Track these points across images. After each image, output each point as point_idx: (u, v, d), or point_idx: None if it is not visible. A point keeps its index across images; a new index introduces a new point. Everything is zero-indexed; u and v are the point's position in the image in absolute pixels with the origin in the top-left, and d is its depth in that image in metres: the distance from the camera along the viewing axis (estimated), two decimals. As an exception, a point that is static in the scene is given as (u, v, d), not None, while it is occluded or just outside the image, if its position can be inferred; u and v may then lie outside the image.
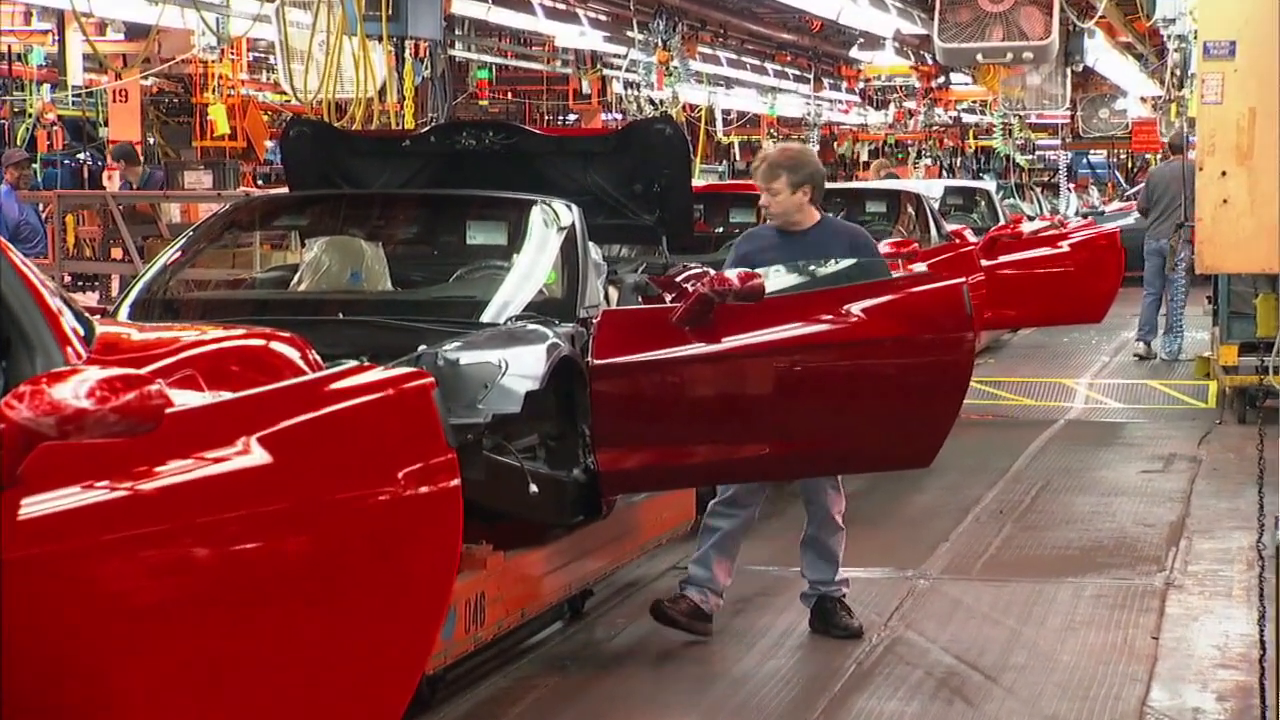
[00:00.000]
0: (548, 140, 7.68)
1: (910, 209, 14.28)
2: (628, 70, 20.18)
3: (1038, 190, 28.48)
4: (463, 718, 5.80)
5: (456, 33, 18.13)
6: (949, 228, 14.51)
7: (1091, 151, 39.92)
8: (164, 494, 3.02)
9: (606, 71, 21.81)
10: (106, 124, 16.11)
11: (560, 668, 6.33)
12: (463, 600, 5.58)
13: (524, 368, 5.59)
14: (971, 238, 14.53)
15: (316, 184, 7.52)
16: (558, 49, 20.90)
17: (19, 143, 16.24)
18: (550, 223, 6.67)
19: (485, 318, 6.18)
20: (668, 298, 6.44)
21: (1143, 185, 17.05)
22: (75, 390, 2.86)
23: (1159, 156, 27.16)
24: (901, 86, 28.15)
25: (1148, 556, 8.00)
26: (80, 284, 13.37)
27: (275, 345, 4.22)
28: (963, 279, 6.37)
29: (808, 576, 6.67)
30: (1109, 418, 12.54)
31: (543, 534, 6.28)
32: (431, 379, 3.73)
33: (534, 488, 5.70)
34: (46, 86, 16.56)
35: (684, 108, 21.86)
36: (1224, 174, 11.74)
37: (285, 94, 15.00)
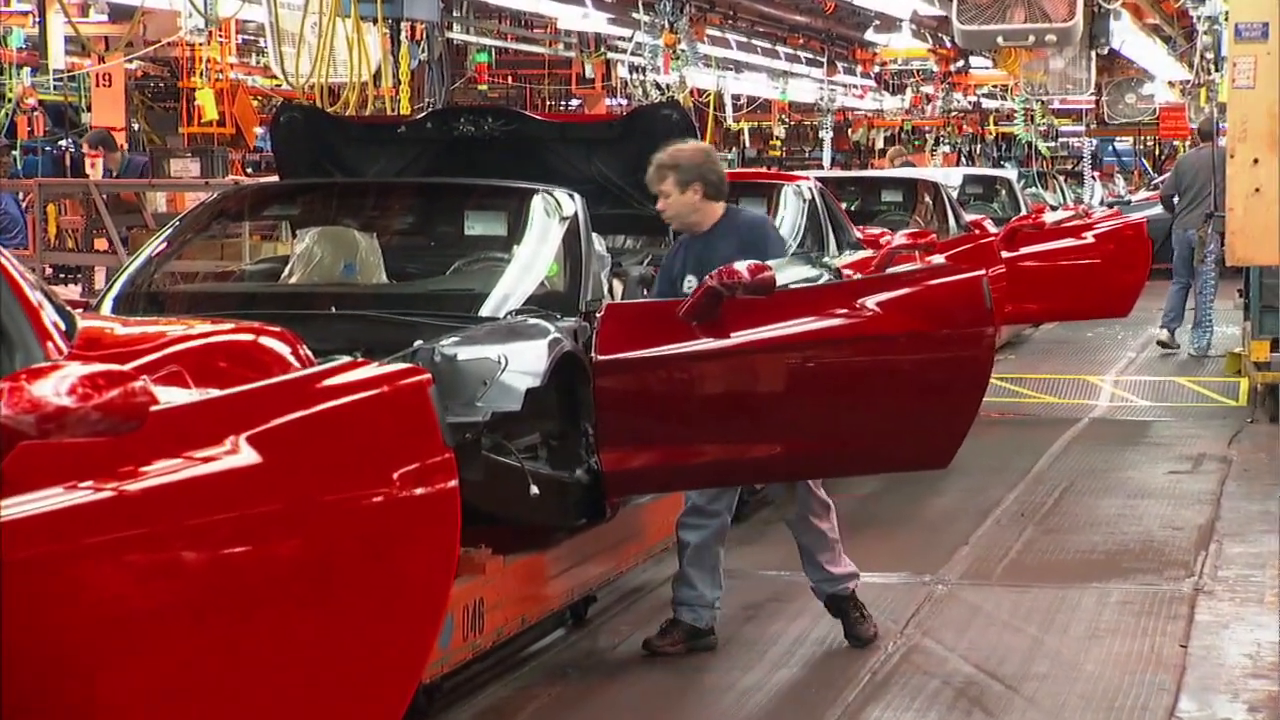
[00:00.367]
0: (549, 126, 7.67)
1: (928, 198, 14.28)
2: (633, 54, 20.18)
3: (1061, 179, 28.43)
4: (461, 729, 5.80)
5: (454, 14, 18.15)
6: (968, 218, 14.52)
7: (1117, 138, 39.90)
8: (149, 495, 3.02)
9: (611, 55, 21.82)
10: (89, 109, 16.12)
11: (562, 676, 6.33)
12: (460, 606, 5.58)
13: (524, 364, 5.59)
14: (992, 228, 14.54)
15: (308, 172, 7.52)
16: (560, 31, 20.91)
17: (-2, 129, 16.25)
18: (552, 213, 6.67)
19: (484, 311, 6.18)
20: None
21: (1169, 173, 17.05)
22: (56, 387, 2.86)
23: (1187, 143, 27.16)
24: (919, 70, 28.14)
25: (1176, 561, 7.99)
26: (62, 276, 13.37)
27: (265, 340, 4.22)
28: (982, 271, 6.35)
29: (808, 577, 6.69)
30: (1135, 416, 12.53)
31: (544, 537, 6.27)
32: (428, 375, 3.74)
33: (535, 489, 5.70)
34: (27, 70, 16.55)
35: (692, 93, 21.86)
36: (1256, 161, 11.79)
37: (276, 78, 15.00)
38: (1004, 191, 18.53)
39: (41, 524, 2.87)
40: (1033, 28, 14.07)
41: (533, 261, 6.58)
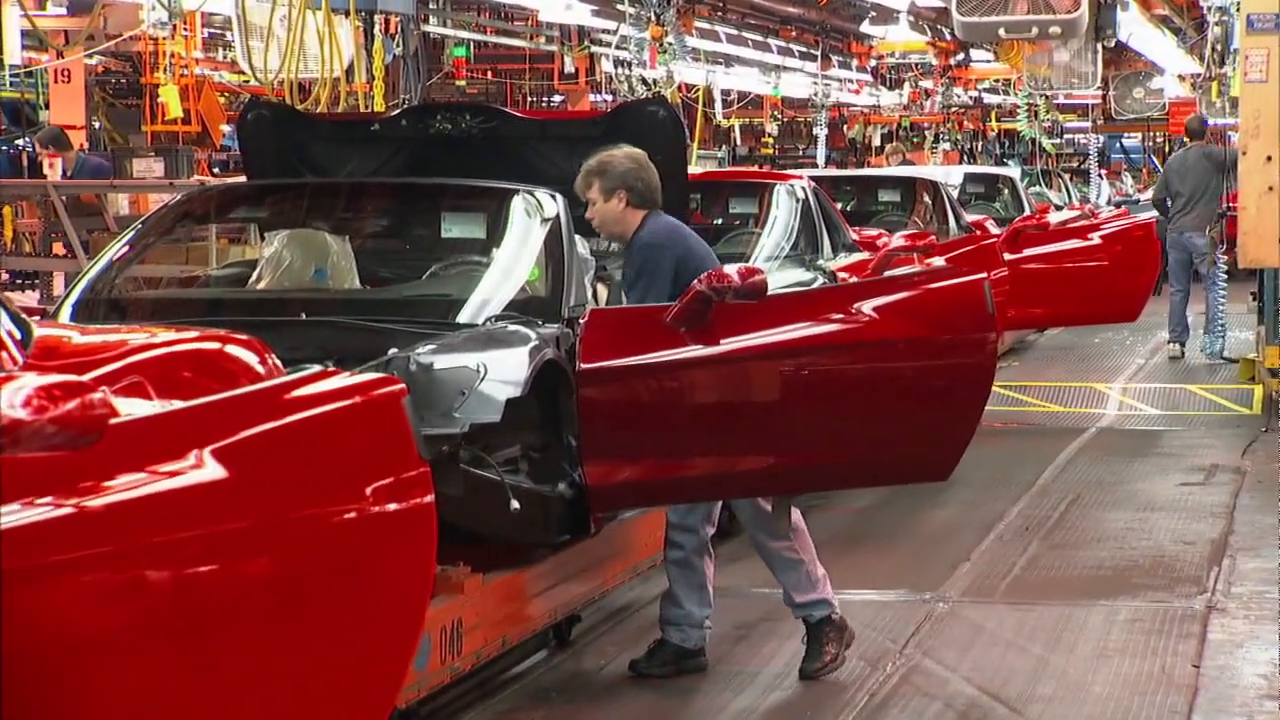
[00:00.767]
0: (530, 124, 7.67)
1: (927, 198, 14.31)
2: (618, 47, 20.19)
3: (1066, 177, 28.50)
4: (438, 756, 5.80)
5: (431, 6, 18.15)
6: (969, 218, 14.55)
7: (1125, 135, 39.98)
8: (108, 512, 3.01)
9: (595, 49, 21.83)
10: (47, 107, 16.09)
11: (545, 700, 6.32)
12: (437, 627, 5.58)
13: (504, 372, 5.59)
14: (994, 229, 14.57)
15: (277, 172, 7.52)
16: (542, 24, 20.92)
17: (-48, 128, 16.23)
18: (533, 214, 6.67)
19: (462, 318, 6.18)
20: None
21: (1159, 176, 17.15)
22: (10, 399, 2.85)
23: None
24: (917, 64, 28.21)
25: (1187, 577, 8.00)
26: (18, 282, 13.34)
27: (231, 349, 4.22)
28: (984, 274, 6.36)
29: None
30: (1145, 425, 12.55)
31: (526, 555, 6.27)
32: (403, 385, 3.73)
33: (515, 504, 5.69)
34: (-19, 66, 16.54)
35: (679, 88, 21.88)
36: (1269, 159, 11.81)
37: (243, 74, 15.00)
38: (1007, 191, 18.56)
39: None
40: (1036, 19, 14.11)
41: (513, 265, 6.58)
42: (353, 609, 3.50)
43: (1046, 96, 28.33)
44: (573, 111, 20.16)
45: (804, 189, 10.33)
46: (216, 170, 18.21)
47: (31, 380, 2.91)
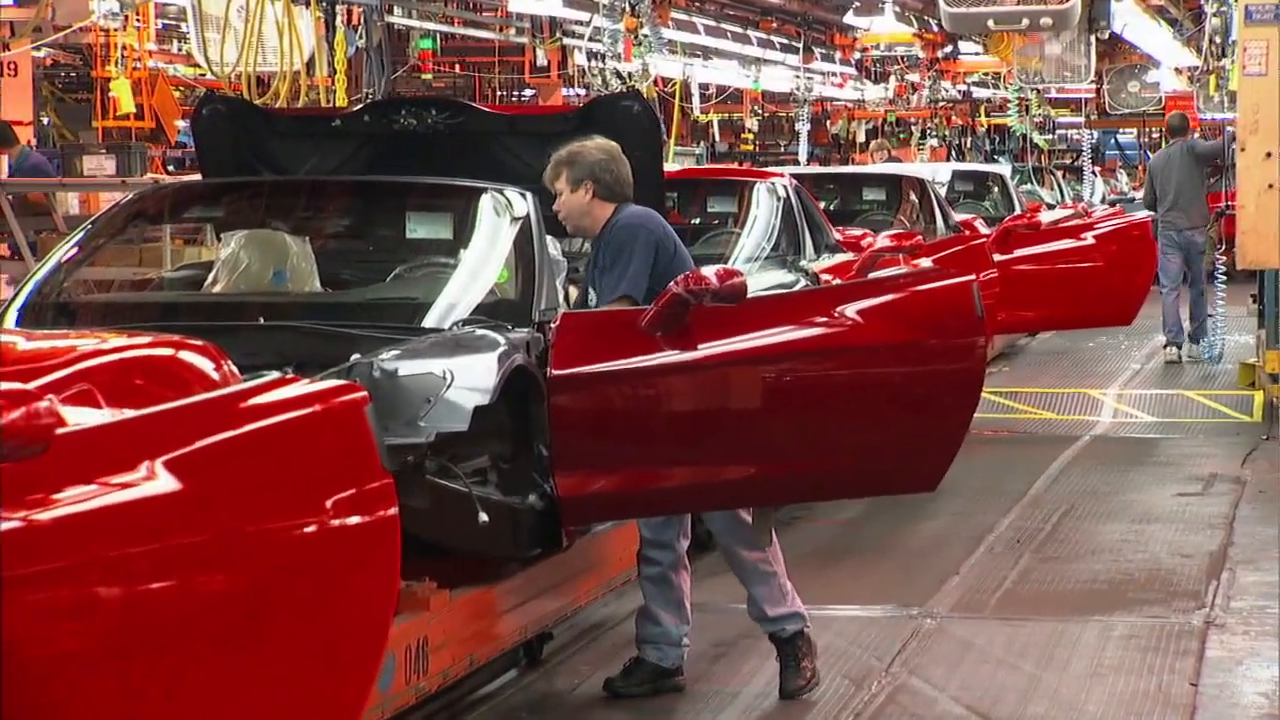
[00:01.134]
0: (499, 119, 7.67)
1: (913, 196, 14.33)
2: (591, 39, 20.18)
3: (1058, 174, 28.58)
4: (403, 780, 5.78)
5: (395, -4, 18.12)
6: (957, 218, 14.56)
7: (1120, 130, 40.09)
8: (56, 526, 3.00)
9: (567, 41, 21.81)
10: (-7, 101, 16.05)
11: (515, 722, 6.32)
12: (402, 645, 5.57)
13: (472, 379, 5.58)
14: (983, 229, 14.60)
15: (234, 170, 7.50)
16: (511, 15, 20.91)
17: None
18: (502, 213, 6.67)
19: (427, 322, 6.17)
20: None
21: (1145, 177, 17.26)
22: (-48, 408, 2.84)
23: (1196, 134, 27.28)
24: (903, 57, 28.22)
25: (1185, 591, 8.02)
26: (-38, 286, 13.29)
27: (185, 355, 4.21)
28: (973, 276, 6.38)
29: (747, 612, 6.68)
30: (1140, 433, 12.59)
31: (494, 569, 6.26)
32: (365, 393, 3.73)
33: (484, 516, 5.68)
34: (-77, 59, 16.49)
35: (655, 82, 21.88)
36: (1269, 155, 11.85)
37: (199, 67, 14.96)
38: (997, 189, 18.61)
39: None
40: (1027, 10, 14.12)
41: (481, 267, 6.57)
42: (313, 627, 3.49)
43: (1038, 91, 28.39)
44: (544, 106, 20.16)
45: (785, 187, 10.34)
46: (171, 168, 18.16)
47: (-26, 388, 2.90)
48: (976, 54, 26.73)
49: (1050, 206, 20.40)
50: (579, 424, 6.04)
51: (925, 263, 10.79)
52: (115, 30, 15.31)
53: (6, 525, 2.93)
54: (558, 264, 6.89)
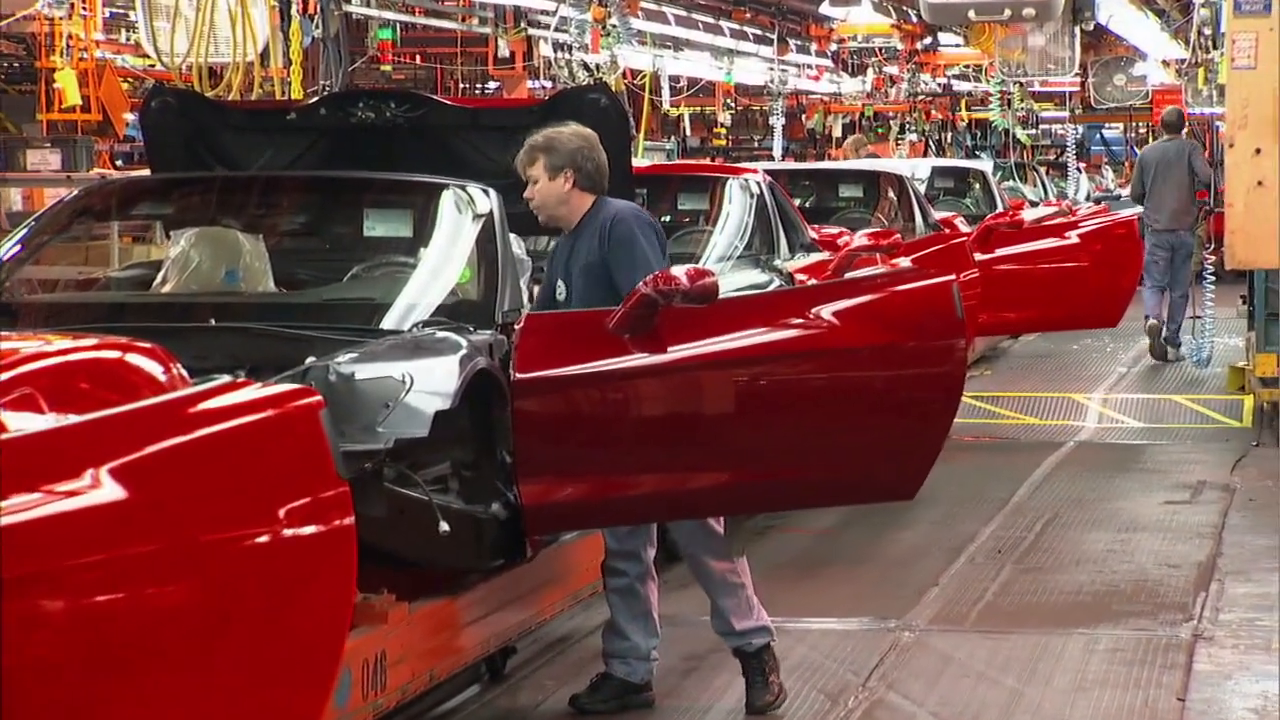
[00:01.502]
0: (461, 113, 7.66)
1: (892, 193, 14.35)
2: (557, 30, 20.18)
3: (1042, 171, 28.65)
4: (361, 801, 5.77)
5: (353, -15, 18.09)
6: (937, 215, 14.59)
7: (1106, 125, 40.22)
8: (-3, 536, 2.99)
9: (532, 31, 21.80)
10: (-67, 93, 16.01)
11: (477, 740, 6.32)
12: (359, 660, 5.56)
13: (432, 383, 5.57)
14: (964, 227, 14.62)
15: (185, 165, 7.49)
16: (474, 4, 20.90)
17: None
18: (464, 210, 6.67)
19: (386, 324, 6.16)
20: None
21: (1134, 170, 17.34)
22: (-112, 413, 2.83)
23: (1184, 132, 27.37)
24: (881, 49, 28.26)
25: (1172, 603, 8.05)
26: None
27: (132, 358, 4.20)
28: (953, 276, 6.39)
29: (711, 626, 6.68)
30: (1127, 439, 12.62)
31: (456, 581, 6.25)
32: (320, 397, 3.72)
33: (445, 526, 5.68)
34: None
35: (624, 74, 21.90)
36: (1258, 151, 11.89)
37: (148, 57, 14.92)
38: (978, 185, 18.65)
39: None
40: (1009, 0, 14.17)
41: (442, 266, 6.57)
42: (265, 641, 3.49)
43: (1021, 84, 28.47)
44: (508, 99, 20.15)
45: (759, 184, 10.35)
46: (119, 162, 18.13)
47: (-89, 392, 2.89)
48: (957, 46, 26.79)
49: (1033, 204, 20.48)
50: (544, 430, 6.04)
51: (904, 262, 10.82)
52: (60, 19, 15.26)
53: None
54: (522, 263, 6.88)
